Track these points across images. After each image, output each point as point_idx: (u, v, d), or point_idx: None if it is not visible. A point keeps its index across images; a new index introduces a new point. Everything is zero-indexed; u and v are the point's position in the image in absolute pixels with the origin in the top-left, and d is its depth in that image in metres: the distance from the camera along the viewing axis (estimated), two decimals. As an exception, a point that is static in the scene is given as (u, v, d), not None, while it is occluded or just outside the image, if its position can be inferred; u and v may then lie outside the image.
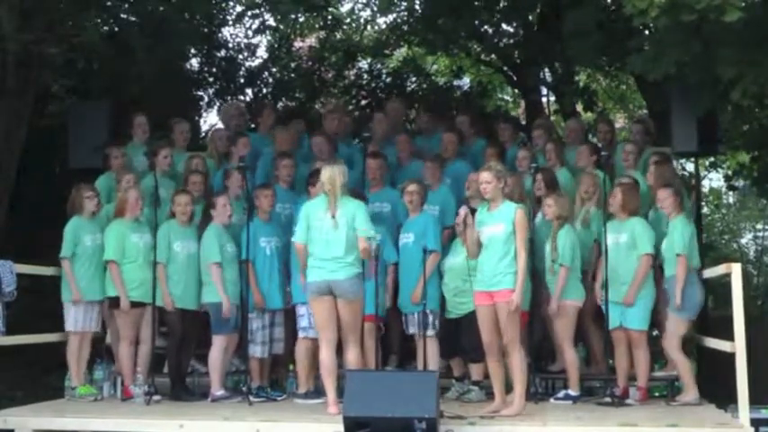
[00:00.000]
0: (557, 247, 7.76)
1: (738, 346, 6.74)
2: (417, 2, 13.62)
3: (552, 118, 14.68)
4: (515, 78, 14.86)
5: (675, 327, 7.64)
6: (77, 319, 8.14)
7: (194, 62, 14.25)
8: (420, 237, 8.03)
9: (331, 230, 7.06)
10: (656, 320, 8.19)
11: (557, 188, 8.22)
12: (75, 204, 8.25)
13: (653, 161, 8.42)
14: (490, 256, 7.01)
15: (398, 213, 8.43)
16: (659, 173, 8.21)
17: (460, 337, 7.94)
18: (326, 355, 7.16)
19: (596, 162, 8.57)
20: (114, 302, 8.11)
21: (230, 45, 14.54)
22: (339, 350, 7.28)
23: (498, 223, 7.00)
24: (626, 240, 7.74)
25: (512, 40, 14.19)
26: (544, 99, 15.56)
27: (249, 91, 14.49)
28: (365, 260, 7.22)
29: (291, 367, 8.33)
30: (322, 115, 10.82)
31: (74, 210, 8.25)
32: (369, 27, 15.91)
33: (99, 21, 10.71)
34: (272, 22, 14.45)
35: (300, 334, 7.90)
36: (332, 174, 7.11)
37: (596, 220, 8.10)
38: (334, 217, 7.05)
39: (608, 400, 7.60)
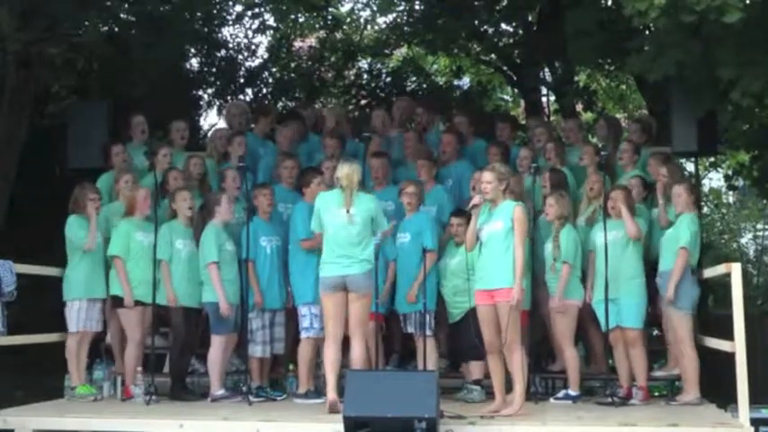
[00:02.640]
0: (559, 246, 7.77)
1: (738, 345, 6.74)
2: (417, 2, 13.62)
3: (552, 118, 14.68)
4: (515, 78, 14.86)
5: (681, 323, 7.63)
6: (79, 319, 8.14)
7: (194, 62, 14.27)
8: (416, 236, 8.07)
9: (346, 226, 7.15)
10: (654, 319, 8.20)
11: (561, 189, 8.24)
12: (79, 203, 8.24)
13: (661, 160, 8.43)
14: (490, 254, 7.01)
15: (402, 212, 8.42)
16: (671, 171, 8.21)
17: (460, 336, 7.95)
18: (331, 350, 7.19)
19: (598, 162, 8.59)
20: (117, 301, 8.13)
21: (230, 45, 14.55)
22: (343, 348, 7.29)
23: (498, 221, 7.02)
24: (622, 236, 7.76)
25: (511, 40, 14.20)
26: (544, 99, 15.57)
27: (249, 91, 14.50)
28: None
29: (291, 367, 8.33)
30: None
31: (76, 208, 8.24)
32: (369, 27, 15.91)
33: (99, 21, 10.70)
34: (272, 21, 14.46)
35: (303, 334, 7.90)
36: (349, 171, 7.24)
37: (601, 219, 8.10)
38: (348, 212, 7.13)
39: (608, 399, 7.59)
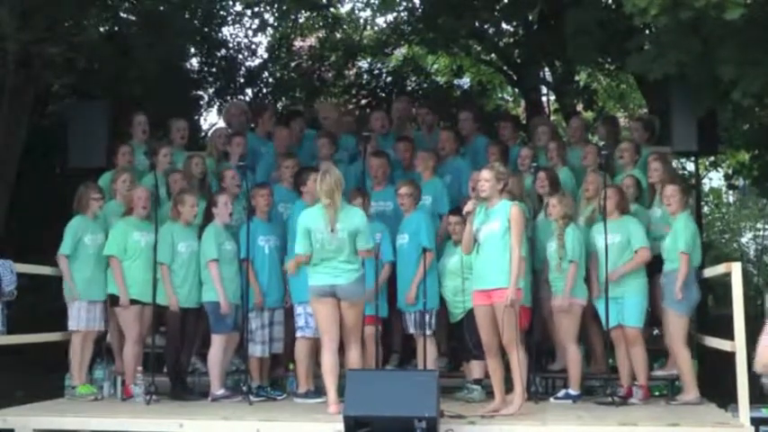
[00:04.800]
0: (564, 245, 7.76)
1: (738, 345, 6.74)
2: (417, 1, 13.62)
3: (552, 118, 14.68)
4: (515, 78, 14.87)
5: (676, 322, 7.65)
6: (80, 318, 8.13)
7: (194, 62, 14.28)
8: (414, 236, 8.07)
9: (332, 241, 7.06)
10: (655, 318, 8.20)
11: (559, 187, 8.24)
12: (82, 203, 8.24)
13: (653, 159, 8.44)
14: (487, 254, 7.00)
15: (400, 212, 8.43)
16: (663, 169, 8.22)
17: (460, 336, 7.95)
18: (329, 358, 7.17)
19: (599, 162, 8.59)
20: (114, 300, 8.12)
21: (230, 45, 14.56)
22: (340, 350, 7.29)
23: (495, 221, 7.00)
24: (620, 240, 7.77)
25: (512, 39, 14.21)
26: (544, 98, 15.57)
27: (249, 91, 14.51)
28: (366, 262, 7.28)
29: (291, 367, 8.33)
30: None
31: (79, 208, 8.25)
32: (369, 26, 15.91)
33: (99, 20, 10.71)
34: (272, 21, 14.47)
35: (298, 333, 7.90)
36: (330, 187, 7.05)
37: (600, 219, 8.10)
38: (333, 231, 7.04)
39: (608, 399, 7.59)
